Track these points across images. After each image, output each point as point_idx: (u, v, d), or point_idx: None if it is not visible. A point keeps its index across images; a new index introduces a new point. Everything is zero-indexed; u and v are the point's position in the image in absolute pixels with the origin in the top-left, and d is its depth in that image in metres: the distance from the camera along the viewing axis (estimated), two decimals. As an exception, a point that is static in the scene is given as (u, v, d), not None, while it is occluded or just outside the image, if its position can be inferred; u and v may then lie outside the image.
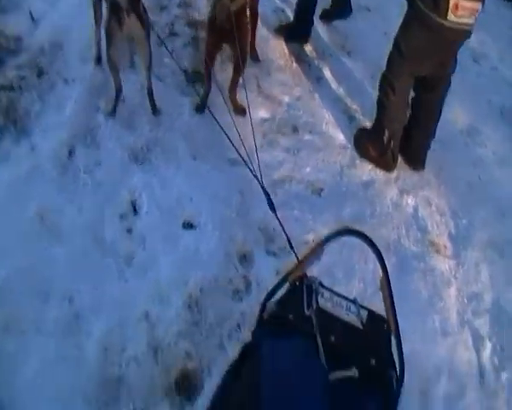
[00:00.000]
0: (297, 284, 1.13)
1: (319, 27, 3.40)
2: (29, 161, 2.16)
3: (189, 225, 2.04)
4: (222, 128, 1.69)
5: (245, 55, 2.40)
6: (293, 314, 1.07)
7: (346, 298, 1.15)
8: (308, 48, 3.25)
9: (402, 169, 2.54)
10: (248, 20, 2.51)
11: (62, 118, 2.37)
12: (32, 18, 3.01)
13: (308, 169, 2.41)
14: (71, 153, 2.21)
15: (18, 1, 3.16)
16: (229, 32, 2.17)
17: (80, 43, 2.83)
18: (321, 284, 1.15)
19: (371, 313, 1.13)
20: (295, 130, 2.60)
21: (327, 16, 3.43)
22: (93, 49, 2.66)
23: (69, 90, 2.53)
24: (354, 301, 1.13)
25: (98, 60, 2.65)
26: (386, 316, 1.05)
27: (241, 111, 2.47)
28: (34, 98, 2.47)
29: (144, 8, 2.19)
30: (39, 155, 2.19)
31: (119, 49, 2.27)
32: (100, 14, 2.54)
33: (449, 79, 2.37)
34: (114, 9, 2.12)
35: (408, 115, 2.48)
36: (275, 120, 2.62)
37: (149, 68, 2.34)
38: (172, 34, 3.04)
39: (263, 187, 1.43)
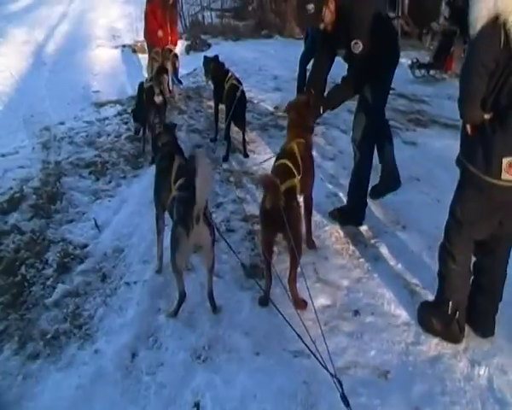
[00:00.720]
0: None
1: (372, 205, 4.17)
2: (93, 364, 2.73)
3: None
4: (287, 320, 2.21)
5: (299, 243, 3.01)
6: None
7: None
8: (363, 228, 3.95)
9: (470, 338, 2.84)
10: (299, 205, 3.24)
11: (125, 320, 3.02)
12: (97, 226, 4.01)
13: (372, 352, 2.77)
14: (134, 355, 2.77)
15: (84, 211, 4.25)
16: (281, 221, 2.82)
17: (140, 247, 3.73)
18: None
19: None
20: (357, 313, 3.06)
21: (377, 193, 4.17)
22: (156, 260, 3.45)
23: (131, 292, 3.26)
24: None
25: (159, 270, 3.41)
26: None
27: (301, 304, 2.98)
28: (98, 302, 3.21)
29: (211, 214, 2.95)
30: (103, 358, 2.76)
31: (186, 255, 2.95)
32: (162, 226, 3.39)
33: (510, 238, 2.76)
34: (181, 217, 2.82)
35: (471, 281, 2.83)
36: (335, 305, 3.12)
37: (211, 272, 2.99)
38: (229, 230, 3.89)
39: (334, 376, 1.83)
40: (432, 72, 9.41)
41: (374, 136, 3.86)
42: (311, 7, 3.52)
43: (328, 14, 3.50)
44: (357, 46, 3.42)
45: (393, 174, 4.14)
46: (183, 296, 2.99)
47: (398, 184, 4.16)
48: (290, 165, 3.18)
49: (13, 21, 14.75)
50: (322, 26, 3.62)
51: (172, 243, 2.87)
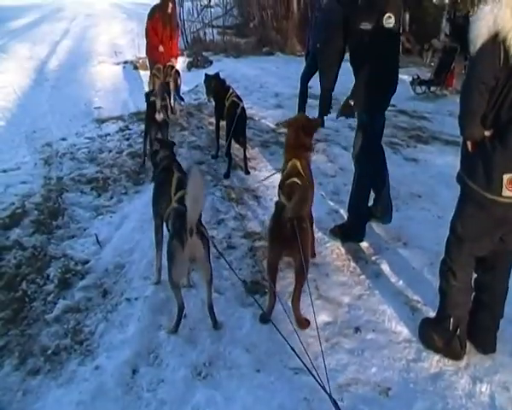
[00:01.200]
0: None
1: (373, 222, 4.23)
2: (94, 380, 2.74)
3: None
4: (285, 339, 2.25)
5: (307, 263, 3.03)
6: None
7: None
8: (364, 244, 4.01)
9: (472, 355, 2.87)
10: (309, 225, 3.28)
11: (126, 336, 3.04)
12: (98, 242, 4.06)
13: (374, 369, 2.80)
14: (134, 371, 2.80)
15: (86, 226, 4.30)
16: (289, 240, 2.87)
17: (141, 263, 3.77)
18: None
19: None
20: (358, 330, 3.09)
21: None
22: (154, 272, 3.51)
23: (132, 308, 3.29)
24: None
25: (158, 282, 3.48)
26: None
27: (304, 323, 3.02)
28: (99, 318, 3.24)
29: (204, 226, 3.01)
30: (103, 374, 2.78)
31: (182, 269, 3.00)
32: (161, 238, 3.44)
33: (511, 255, 2.80)
34: (177, 231, 2.91)
35: (472, 298, 2.87)
36: (336, 322, 3.16)
37: (210, 285, 3.04)
38: (230, 247, 3.94)
39: (330, 396, 1.88)
40: (433, 88, 9.58)
41: (373, 152, 3.92)
42: None
43: None
44: (390, 20, 3.37)
45: (387, 209, 4.19)
46: (181, 310, 3.03)
47: (389, 220, 4.20)
48: (300, 183, 3.22)
49: (16, 37, 15.00)
50: None
51: (168, 257, 2.94)
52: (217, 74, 6.04)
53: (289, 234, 2.88)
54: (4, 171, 5.51)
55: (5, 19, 19.27)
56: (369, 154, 3.87)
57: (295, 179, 3.24)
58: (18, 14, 21.18)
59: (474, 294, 2.88)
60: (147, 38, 7.65)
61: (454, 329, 2.80)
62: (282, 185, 3.33)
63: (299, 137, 3.55)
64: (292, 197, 2.97)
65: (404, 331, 3.09)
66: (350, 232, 4.05)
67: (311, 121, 3.73)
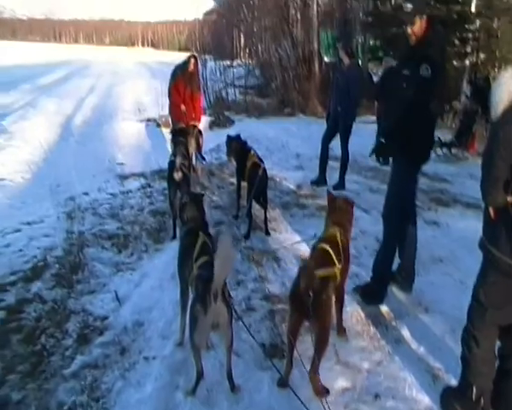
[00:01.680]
0: None
1: (393, 285, 4.28)
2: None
3: None
4: (304, 404, 2.29)
5: (326, 336, 3.06)
6: None
7: None
8: (384, 309, 4.04)
9: None
10: (332, 296, 3.30)
11: (143, 396, 3.10)
12: (118, 299, 4.16)
13: None
14: (152, 432, 2.84)
15: (106, 282, 4.43)
16: (312, 307, 2.89)
17: (160, 322, 3.86)
18: None
19: None
20: (377, 397, 3.09)
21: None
22: (178, 333, 3.58)
23: (150, 367, 3.35)
24: None
25: (181, 343, 3.52)
26: None
27: (322, 392, 2.98)
28: (116, 376, 3.30)
29: (229, 293, 3.08)
30: (119, 433, 2.84)
31: (204, 334, 3.04)
32: (186, 300, 3.50)
33: None
34: (200, 295, 2.96)
35: (496, 367, 2.83)
36: (355, 388, 3.16)
37: (230, 350, 3.08)
38: (249, 309, 4.01)
39: None
40: (454, 150, 9.72)
41: (405, 212, 4.04)
42: (409, 6, 3.82)
43: (419, 24, 3.77)
44: (428, 71, 3.63)
45: (410, 277, 4.27)
46: (200, 375, 3.07)
47: (410, 289, 4.27)
48: (331, 251, 3.28)
49: (45, 93, 15.81)
50: (409, 30, 3.83)
51: (191, 321, 2.99)
52: (238, 136, 6.31)
53: (309, 302, 2.90)
54: (28, 223, 5.73)
55: (36, 75, 20.44)
56: (401, 213, 4.00)
57: (326, 246, 3.31)
58: (48, 70, 22.33)
59: (497, 363, 2.85)
60: (169, 97, 7.85)
61: (477, 399, 2.78)
62: (313, 248, 3.42)
63: (341, 211, 3.70)
64: (318, 262, 3.05)
65: (424, 400, 3.07)
66: (372, 294, 4.11)
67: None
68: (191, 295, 3.26)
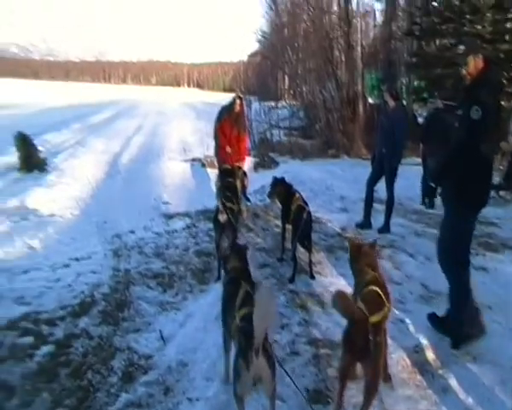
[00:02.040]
0: None
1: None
2: None
3: None
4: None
5: (378, 380, 3.07)
6: None
7: None
8: (430, 356, 3.97)
9: None
10: (384, 339, 3.31)
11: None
12: (162, 338, 4.26)
13: None
14: None
15: (151, 321, 4.53)
16: (364, 353, 2.93)
17: (204, 363, 3.91)
18: None
19: None
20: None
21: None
22: (222, 373, 3.64)
23: (193, 408, 3.41)
24: None
25: (227, 381, 3.55)
26: None
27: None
28: (160, 416, 3.35)
29: (270, 343, 3.00)
30: None
31: (246, 387, 3.02)
32: (229, 346, 3.52)
33: None
34: (242, 350, 2.96)
35: None
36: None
37: (273, 399, 3.07)
38: (293, 353, 4.01)
39: None
40: (502, 193, 9.50)
41: (455, 259, 4.05)
42: (461, 47, 3.95)
43: (474, 64, 3.88)
44: (478, 113, 3.67)
45: (476, 319, 4.13)
46: None
47: (482, 332, 4.10)
48: (381, 293, 3.32)
49: (93, 132, 16.55)
50: (464, 71, 3.95)
51: (234, 373, 3.00)
52: (283, 178, 6.42)
53: (364, 346, 2.93)
54: (77, 259, 5.96)
55: (86, 115, 21.48)
56: (455, 258, 4.03)
57: (376, 288, 3.34)
58: (97, 110, 23.41)
59: None
60: (215, 138, 7.98)
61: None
62: (359, 293, 3.43)
63: (365, 256, 3.76)
64: (371, 306, 3.08)
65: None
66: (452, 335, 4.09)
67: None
68: (233, 342, 3.30)
